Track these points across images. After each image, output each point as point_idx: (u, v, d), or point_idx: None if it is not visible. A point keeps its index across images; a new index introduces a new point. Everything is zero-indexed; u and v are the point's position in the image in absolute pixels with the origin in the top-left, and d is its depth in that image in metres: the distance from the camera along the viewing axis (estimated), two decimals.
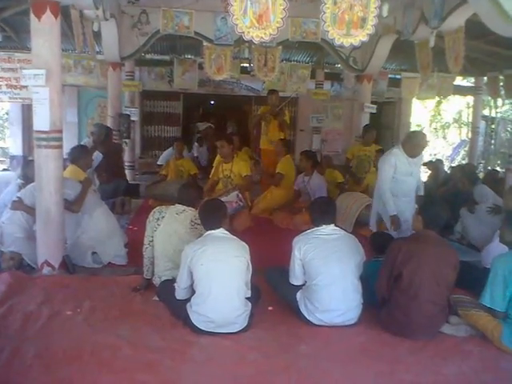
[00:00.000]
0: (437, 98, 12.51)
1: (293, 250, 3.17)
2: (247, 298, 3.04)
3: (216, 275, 2.89)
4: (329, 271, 3.06)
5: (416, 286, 2.98)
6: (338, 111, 10.78)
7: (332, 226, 3.23)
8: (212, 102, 12.66)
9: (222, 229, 3.07)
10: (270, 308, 3.36)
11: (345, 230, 3.38)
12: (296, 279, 3.21)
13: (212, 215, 3.07)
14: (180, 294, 3.08)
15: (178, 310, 3.06)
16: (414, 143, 4.25)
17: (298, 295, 3.21)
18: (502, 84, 9.17)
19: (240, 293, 2.96)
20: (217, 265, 2.90)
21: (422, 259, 3.00)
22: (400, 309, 3.03)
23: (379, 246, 3.65)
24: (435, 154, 14.39)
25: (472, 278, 3.41)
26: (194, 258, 2.92)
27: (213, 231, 3.05)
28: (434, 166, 8.68)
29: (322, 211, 3.24)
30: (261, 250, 4.24)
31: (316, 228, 3.22)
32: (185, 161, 7.02)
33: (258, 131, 7.31)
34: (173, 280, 3.24)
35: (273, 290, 3.44)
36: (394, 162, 4.25)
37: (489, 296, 2.94)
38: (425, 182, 8.56)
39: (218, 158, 6.11)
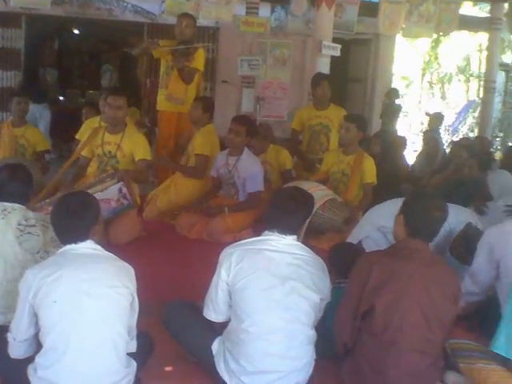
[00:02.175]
0: (434, 36, 13.03)
1: (218, 268, 3.19)
2: (130, 354, 3.02)
3: (78, 319, 2.83)
4: (268, 313, 3.10)
5: (394, 327, 3.07)
6: (283, 53, 10.86)
7: (291, 239, 3.28)
8: (76, 32, 12.43)
9: (89, 241, 3.02)
10: (167, 369, 3.38)
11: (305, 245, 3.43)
12: (215, 313, 3.24)
13: (73, 219, 3.01)
14: (16, 350, 3.00)
15: (13, 377, 2.98)
16: None
17: (216, 345, 3.23)
18: None
19: (118, 346, 2.92)
20: (80, 302, 2.85)
21: (403, 285, 3.10)
22: (370, 362, 3.11)
23: (342, 265, 3.76)
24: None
25: (484, 314, 3.62)
26: (40, 292, 2.85)
27: (74, 246, 3.00)
28: (428, 136, 9.11)
29: (284, 209, 3.26)
30: (156, 274, 4.21)
31: (264, 237, 3.26)
32: (28, 129, 6.85)
33: (154, 82, 7.30)
34: (4, 327, 3.15)
35: (173, 337, 3.45)
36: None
37: (504, 340, 3.09)
38: (413, 164, 9.10)
39: (89, 122, 6.04)
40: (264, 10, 9.88)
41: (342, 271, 3.72)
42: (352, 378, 3.21)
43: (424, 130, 11.46)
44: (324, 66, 7.55)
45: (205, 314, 3.27)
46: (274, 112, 10.10)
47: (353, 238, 5.09)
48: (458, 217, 4.66)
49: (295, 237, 3.30)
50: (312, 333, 3.24)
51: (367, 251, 4.57)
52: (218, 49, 10.70)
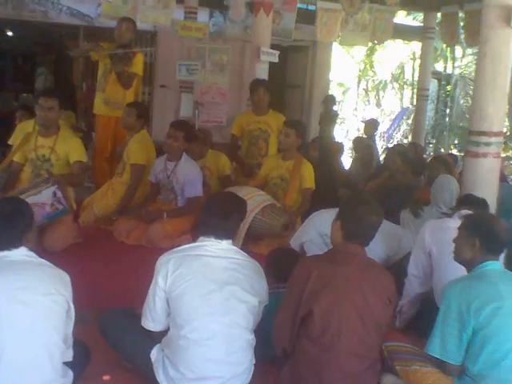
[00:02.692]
0: (369, 44, 13.26)
1: (155, 276, 3.17)
2: (66, 364, 2.97)
3: (10, 328, 2.76)
4: (207, 318, 3.10)
5: (332, 331, 3.10)
6: (222, 58, 10.85)
7: (227, 243, 3.28)
8: (10, 34, 12.20)
9: (23, 248, 2.96)
10: (105, 377, 3.33)
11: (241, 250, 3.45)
12: (154, 322, 3.22)
13: (6, 225, 2.93)
14: None
15: None
16: None
17: (155, 353, 3.21)
18: (462, 25, 9.99)
19: (54, 355, 2.87)
20: (12, 310, 2.78)
21: (341, 290, 3.13)
22: (309, 366, 3.13)
23: (281, 270, 3.77)
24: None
25: (420, 317, 3.70)
26: None
27: (7, 253, 2.92)
28: (359, 142, 9.24)
29: (218, 215, 3.26)
30: (93, 282, 4.15)
31: (200, 242, 3.26)
32: None
33: (91, 85, 7.20)
34: None
35: (111, 346, 3.42)
36: None
37: (439, 343, 3.15)
38: (349, 169, 9.24)
39: (22, 125, 5.95)
40: (203, 15, 9.88)
41: (281, 276, 3.73)
42: (291, 382, 3.22)
43: (354, 137, 11.63)
44: (262, 72, 7.59)
45: (143, 324, 3.24)
46: (212, 117, 10.04)
47: (295, 241, 5.13)
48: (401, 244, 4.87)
49: (231, 241, 3.31)
50: (251, 337, 3.25)
51: (308, 255, 4.64)
52: (156, 53, 10.61)
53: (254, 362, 3.27)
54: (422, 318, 3.98)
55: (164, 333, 3.23)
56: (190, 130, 6.29)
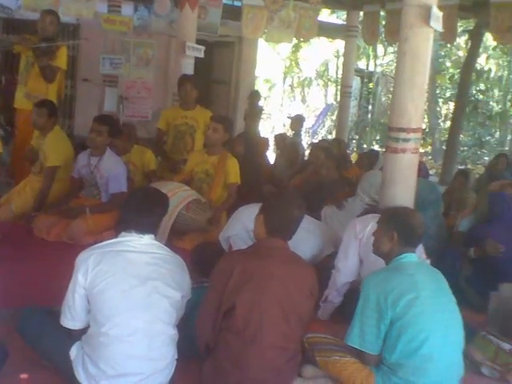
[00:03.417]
0: (294, 41, 13.40)
1: (74, 273, 3.12)
2: None
3: None
4: (129, 314, 3.08)
5: (255, 325, 3.14)
6: (147, 52, 10.75)
7: (149, 238, 3.27)
8: None
9: None
10: (23, 376, 3.28)
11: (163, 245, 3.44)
12: (73, 320, 3.17)
13: None
14: None
15: None
16: None
17: (74, 351, 3.17)
18: (383, 23, 10.20)
19: None
20: None
21: (264, 283, 3.17)
22: (231, 360, 3.15)
23: (205, 265, 3.77)
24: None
25: (348, 307, 3.74)
26: None
27: None
28: (281, 138, 9.32)
29: (139, 210, 3.25)
30: (11, 280, 4.03)
31: (122, 238, 3.24)
32: None
33: (11, 78, 7.00)
34: None
35: (29, 345, 3.36)
36: None
37: (358, 333, 3.23)
38: (274, 165, 9.31)
39: None
40: (127, 9, 9.70)
41: (205, 271, 3.73)
42: (214, 377, 3.23)
43: (276, 133, 11.69)
44: (188, 67, 7.53)
45: (62, 323, 3.19)
46: (137, 112, 9.98)
47: (223, 235, 5.14)
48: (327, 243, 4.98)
49: (153, 236, 3.30)
50: (174, 332, 3.24)
51: (234, 249, 4.67)
52: (79, 46, 10.39)
53: (176, 357, 3.26)
54: (349, 309, 4.07)
55: (83, 330, 3.19)
56: (114, 124, 6.16)
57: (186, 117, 6.93)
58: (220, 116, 6.81)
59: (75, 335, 3.20)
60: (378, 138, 17.80)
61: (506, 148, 15.19)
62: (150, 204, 3.31)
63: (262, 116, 12.13)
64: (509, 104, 18.06)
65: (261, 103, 11.66)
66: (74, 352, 3.16)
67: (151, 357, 3.11)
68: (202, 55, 7.74)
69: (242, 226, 5.01)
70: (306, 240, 4.71)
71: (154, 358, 3.13)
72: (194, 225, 5.68)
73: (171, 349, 3.22)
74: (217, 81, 12.57)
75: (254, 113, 10.99)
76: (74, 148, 6.33)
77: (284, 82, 19.68)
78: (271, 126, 17.82)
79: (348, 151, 11.45)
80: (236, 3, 10.13)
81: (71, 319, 3.17)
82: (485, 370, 3.76)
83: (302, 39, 12.30)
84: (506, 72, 18.39)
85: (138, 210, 3.25)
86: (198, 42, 7.72)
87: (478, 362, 3.76)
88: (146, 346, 3.10)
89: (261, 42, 12.41)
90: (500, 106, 18.25)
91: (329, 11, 15.31)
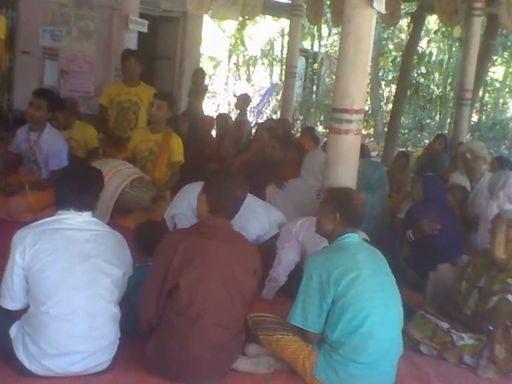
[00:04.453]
0: (240, 19, 13.33)
1: (12, 253, 3.06)
2: None
3: None
4: (69, 292, 3.04)
5: (199, 303, 3.13)
6: (88, 25, 10.48)
7: (87, 215, 3.24)
8: None
9: None
10: None
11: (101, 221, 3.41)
12: (12, 300, 3.12)
13: None
14: None
15: None
16: None
17: (14, 330, 3.11)
18: (328, 3, 10.21)
19: None
20: None
21: (207, 262, 3.17)
22: (175, 339, 3.15)
23: (148, 244, 3.74)
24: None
25: (293, 286, 3.78)
26: None
27: None
28: (222, 119, 9.28)
29: (74, 187, 3.21)
30: None
31: (59, 216, 3.19)
32: None
33: None
34: None
35: None
36: None
37: (300, 313, 3.25)
38: (220, 144, 9.27)
39: None
40: None
41: (148, 250, 3.70)
42: (157, 355, 3.22)
43: (217, 114, 11.57)
44: (131, 42, 7.39)
45: (1, 304, 3.13)
46: (79, 87, 9.69)
47: (168, 213, 5.09)
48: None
49: (91, 213, 3.27)
50: (116, 311, 3.21)
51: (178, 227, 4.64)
52: (18, 17, 10.06)
53: (119, 335, 3.24)
54: (293, 289, 4.11)
55: (24, 310, 3.13)
56: (54, 98, 5.99)
57: (130, 93, 6.82)
58: (164, 93, 6.72)
59: (15, 314, 3.14)
60: (322, 118, 17.93)
61: (446, 131, 15.53)
62: (86, 181, 3.27)
63: (206, 94, 12.03)
64: (449, 88, 18.45)
65: (206, 81, 11.56)
66: (14, 331, 3.11)
67: (93, 335, 3.09)
68: (145, 30, 7.64)
69: (188, 205, 4.97)
70: (251, 219, 4.72)
71: (96, 336, 3.10)
72: (137, 203, 5.63)
73: (114, 327, 3.20)
74: (161, 56, 12.37)
75: (198, 91, 10.88)
76: (13, 122, 6.14)
77: (229, 61, 19.57)
78: (216, 104, 17.73)
79: (292, 132, 11.49)
80: None
81: (10, 301, 3.12)
82: (423, 348, 3.83)
83: (247, 17, 12.21)
84: (446, 56, 18.76)
85: (74, 187, 3.21)
86: (142, 16, 7.61)
87: (417, 341, 3.83)
88: (87, 325, 3.07)
89: (206, 18, 12.33)
90: (440, 90, 18.63)
91: None
